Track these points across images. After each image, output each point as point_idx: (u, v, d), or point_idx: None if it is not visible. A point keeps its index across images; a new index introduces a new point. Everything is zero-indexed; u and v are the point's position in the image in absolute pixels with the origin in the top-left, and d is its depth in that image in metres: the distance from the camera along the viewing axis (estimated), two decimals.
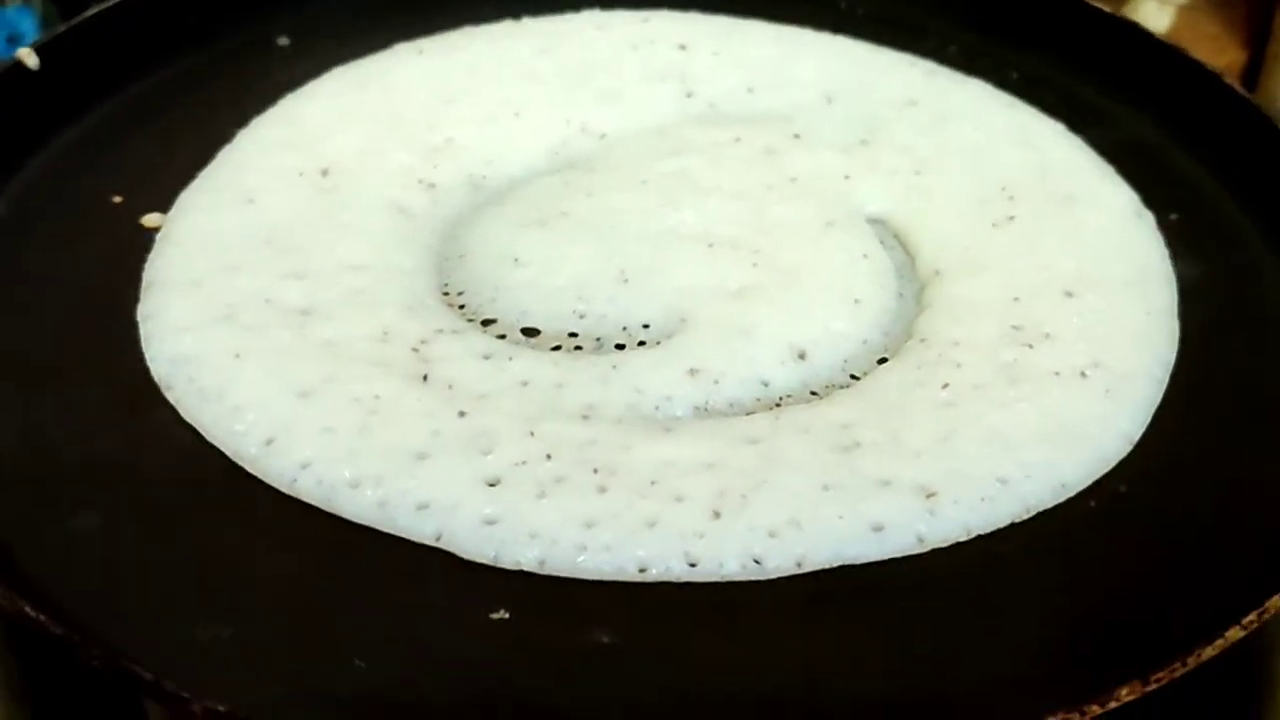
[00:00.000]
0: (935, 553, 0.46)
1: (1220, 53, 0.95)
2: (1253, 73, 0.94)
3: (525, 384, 0.50)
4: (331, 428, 0.48)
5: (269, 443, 0.48)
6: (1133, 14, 0.97)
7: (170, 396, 0.50)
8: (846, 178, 0.61)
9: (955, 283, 0.56)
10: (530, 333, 0.54)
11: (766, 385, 0.52)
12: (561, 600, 0.44)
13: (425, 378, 0.50)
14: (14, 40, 0.96)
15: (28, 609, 0.40)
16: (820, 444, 0.48)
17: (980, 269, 0.57)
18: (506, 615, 0.43)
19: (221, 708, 0.39)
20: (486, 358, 0.52)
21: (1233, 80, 0.91)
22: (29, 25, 0.96)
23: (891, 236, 0.60)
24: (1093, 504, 0.48)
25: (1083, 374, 0.52)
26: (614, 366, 0.52)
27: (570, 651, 0.43)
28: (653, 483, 0.47)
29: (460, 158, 0.62)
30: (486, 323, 0.54)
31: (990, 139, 0.64)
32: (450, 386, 0.50)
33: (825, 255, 0.57)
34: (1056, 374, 0.52)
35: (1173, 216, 0.61)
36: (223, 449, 0.48)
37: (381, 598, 0.44)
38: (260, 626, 0.43)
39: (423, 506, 0.46)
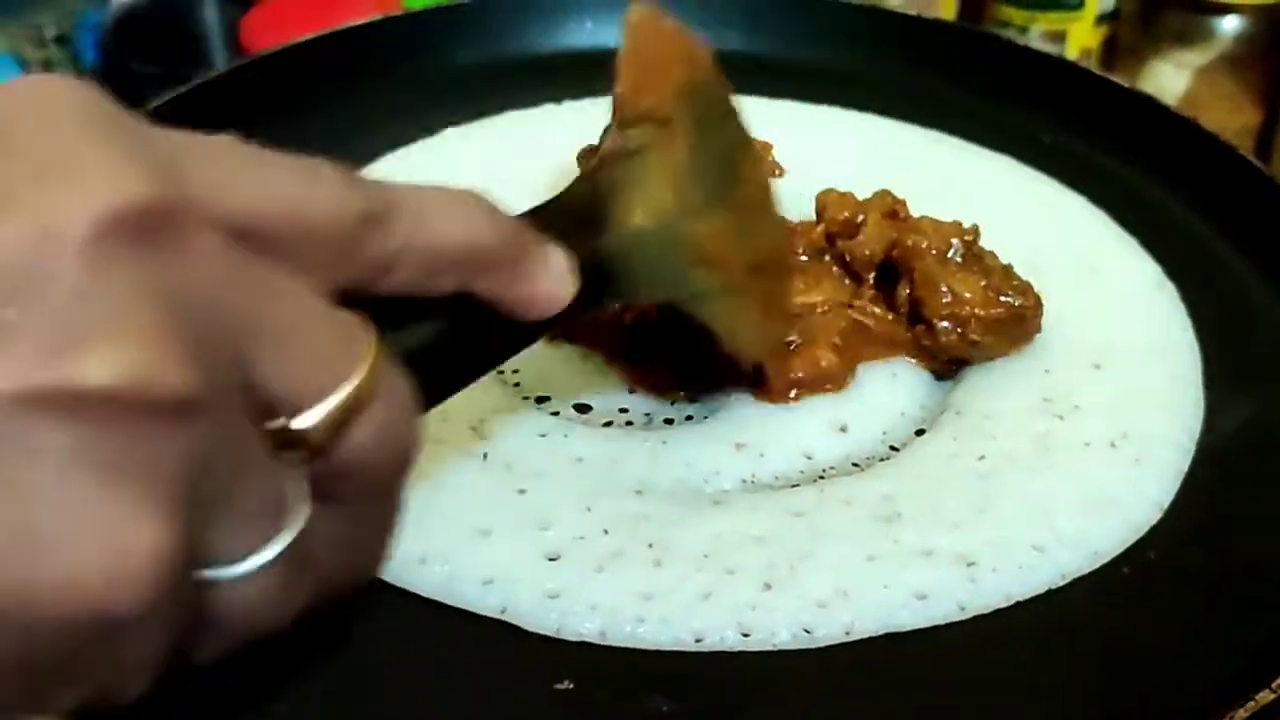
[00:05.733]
0: (976, 619, 0.48)
1: (1236, 112, 0.97)
2: (1269, 133, 0.96)
3: (580, 460, 0.53)
4: None
5: None
6: (1150, 76, 0.99)
7: None
8: None
9: None
10: (582, 409, 0.57)
11: (810, 458, 0.54)
12: (622, 670, 0.46)
13: (485, 456, 0.53)
14: None
15: None
16: (863, 515, 0.51)
17: None
18: (570, 685, 0.46)
19: None
20: (542, 436, 0.54)
21: (1248, 140, 0.94)
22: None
23: None
24: (1126, 570, 0.50)
25: (1112, 444, 0.54)
26: (664, 442, 0.54)
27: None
28: (705, 556, 0.49)
29: None
30: (540, 400, 0.57)
31: (1016, 213, 0.66)
32: (509, 465, 0.53)
33: None
34: (1087, 444, 0.54)
35: (1194, 286, 0.63)
36: None
37: (452, 670, 0.46)
38: (336, 699, 0.45)
39: (488, 582, 0.48)
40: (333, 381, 0.32)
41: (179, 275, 0.29)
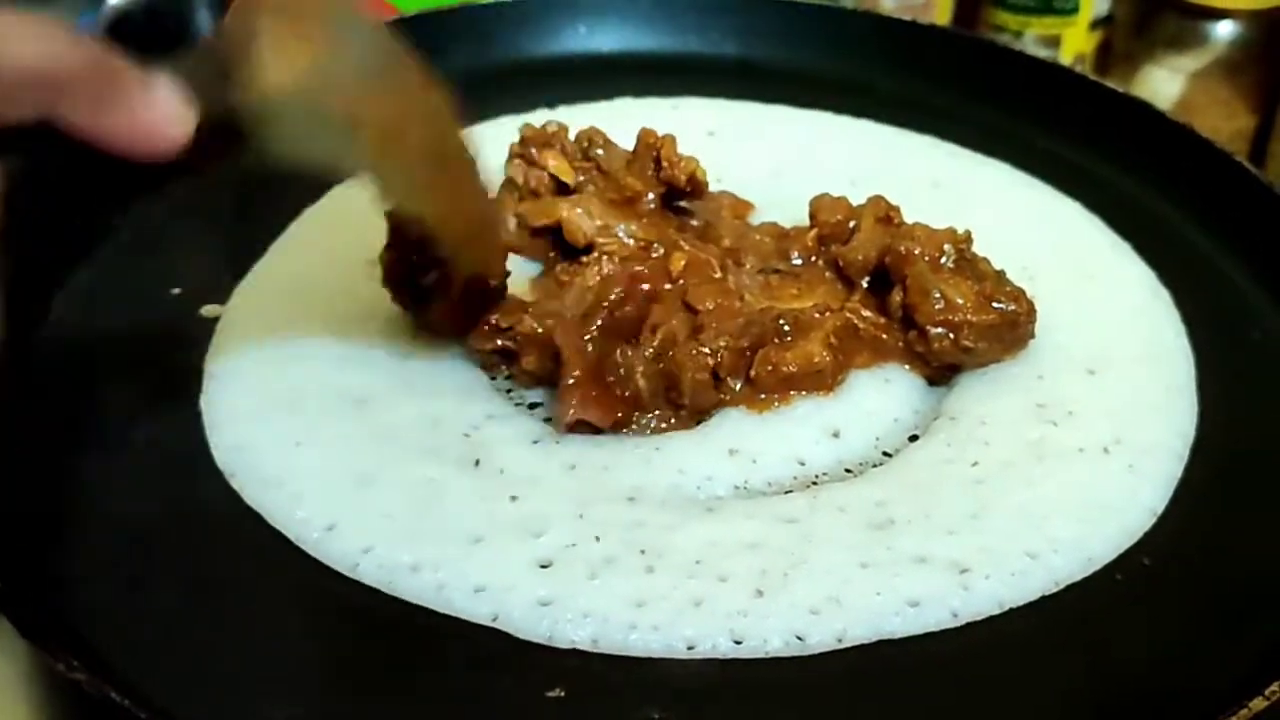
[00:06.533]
0: (969, 626, 0.48)
1: (1231, 118, 0.97)
2: (1262, 137, 0.96)
3: (573, 467, 0.53)
4: (390, 513, 0.50)
5: (330, 528, 0.50)
6: (1144, 81, 0.99)
7: (234, 483, 0.52)
8: None
9: None
10: None
11: (803, 464, 0.54)
12: (614, 678, 0.46)
13: (477, 463, 0.53)
14: None
15: (113, 694, 0.42)
16: (856, 522, 0.51)
17: None
18: (562, 693, 0.45)
19: None
20: (535, 442, 0.54)
21: (1243, 144, 0.94)
22: None
23: None
24: (1118, 577, 0.50)
25: (1105, 450, 0.54)
26: (656, 448, 0.54)
27: None
28: (698, 562, 0.49)
29: None
30: (533, 406, 0.57)
31: (1011, 219, 0.66)
32: (501, 471, 0.52)
33: None
34: (1081, 450, 0.54)
35: (1189, 292, 0.63)
36: (286, 534, 0.50)
37: (443, 678, 0.46)
38: (330, 706, 0.45)
39: (480, 589, 0.48)
40: None
41: None
